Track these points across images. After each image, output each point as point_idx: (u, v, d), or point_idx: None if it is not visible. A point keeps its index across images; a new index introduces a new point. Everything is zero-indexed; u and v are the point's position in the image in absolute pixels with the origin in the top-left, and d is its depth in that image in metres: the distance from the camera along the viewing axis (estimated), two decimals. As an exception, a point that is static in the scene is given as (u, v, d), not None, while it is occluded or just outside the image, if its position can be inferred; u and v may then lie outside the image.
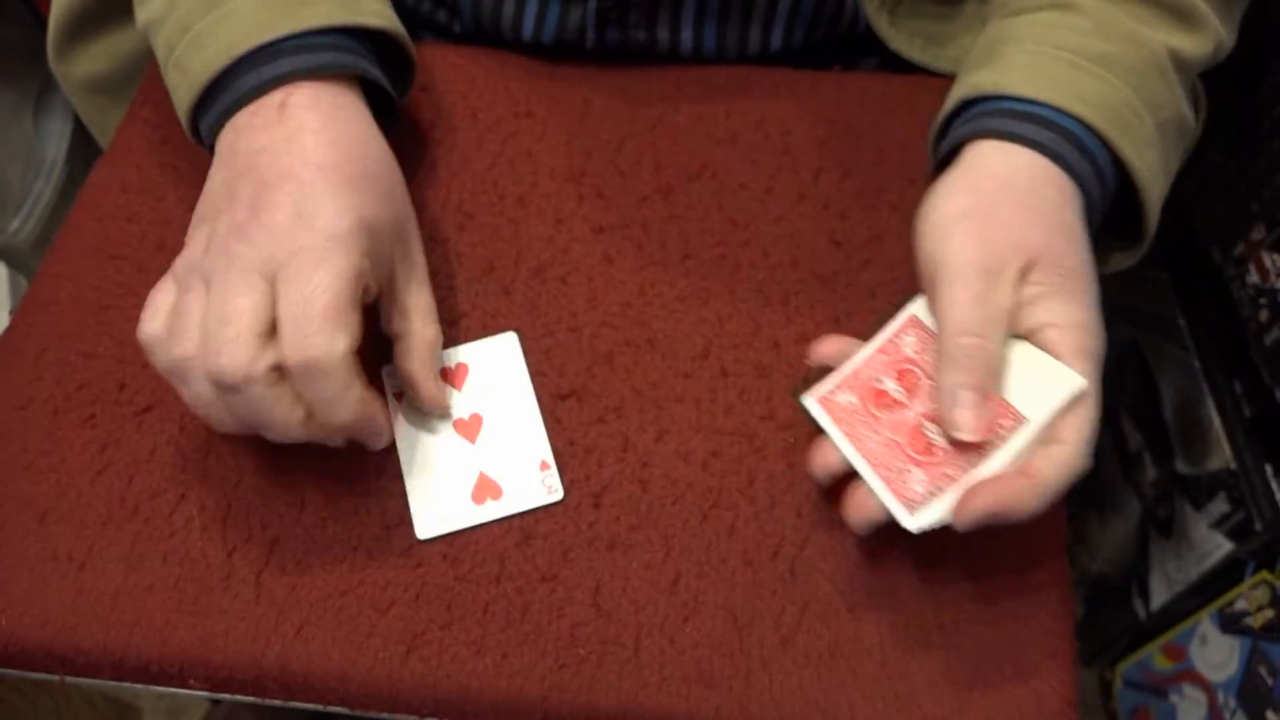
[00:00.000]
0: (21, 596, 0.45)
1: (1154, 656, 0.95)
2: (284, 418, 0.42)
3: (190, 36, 0.48)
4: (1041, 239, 0.44)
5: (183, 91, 0.49)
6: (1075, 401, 0.41)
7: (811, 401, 0.46)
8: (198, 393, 0.43)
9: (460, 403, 0.50)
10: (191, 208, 0.55)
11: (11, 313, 1.11)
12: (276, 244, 0.42)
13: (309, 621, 0.44)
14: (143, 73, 0.62)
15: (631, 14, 0.59)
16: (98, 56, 0.65)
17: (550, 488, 0.47)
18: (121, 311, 0.52)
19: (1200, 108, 0.62)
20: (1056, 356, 0.42)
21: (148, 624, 0.44)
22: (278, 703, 0.45)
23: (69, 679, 0.45)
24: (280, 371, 0.42)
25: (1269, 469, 0.76)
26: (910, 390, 0.45)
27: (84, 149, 1.29)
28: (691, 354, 0.51)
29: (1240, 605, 0.81)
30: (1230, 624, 0.83)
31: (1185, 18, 0.50)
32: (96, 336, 0.51)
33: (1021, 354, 0.43)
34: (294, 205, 0.43)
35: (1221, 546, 0.81)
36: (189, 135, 0.51)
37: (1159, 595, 0.92)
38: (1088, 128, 0.46)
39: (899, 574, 0.45)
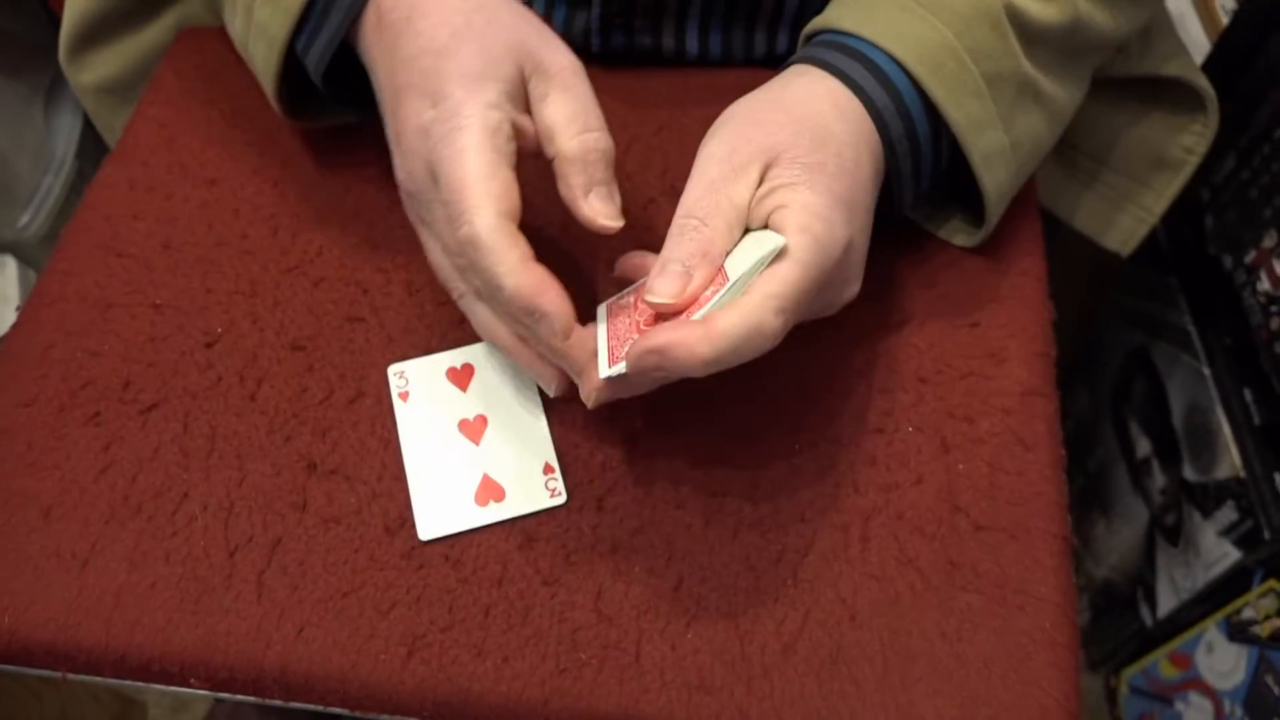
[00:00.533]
0: (24, 593, 0.45)
1: (1160, 664, 0.95)
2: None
3: None
4: (788, 138, 0.44)
5: (278, 24, 0.49)
6: (773, 261, 0.41)
7: (601, 307, 0.46)
8: (480, 320, 0.47)
9: (465, 404, 0.49)
10: (200, 206, 0.56)
11: (20, 306, 1.12)
12: (420, 157, 0.43)
13: (310, 622, 0.44)
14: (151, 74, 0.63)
15: (636, 19, 0.59)
16: (109, 61, 0.65)
17: (554, 490, 0.47)
18: (127, 309, 0.52)
19: (1211, 114, 0.62)
20: (777, 227, 0.42)
21: (149, 623, 0.44)
22: (279, 702, 0.44)
23: (70, 676, 0.45)
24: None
25: (1278, 478, 0.75)
26: None
27: (94, 145, 1.29)
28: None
29: (1248, 614, 0.81)
30: (1238, 632, 0.82)
31: None
32: (102, 334, 0.51)
33: (746, 238, 0.43)
34: (413, 112, 0.44)
35: (1230, 554, 0.81)
36: (274, 77, 0.50)
37: (1166, 602, 0.92)
38: (900, 66, 0.47)
39: (901, 583, 0.45)
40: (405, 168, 0.46)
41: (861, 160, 0.45)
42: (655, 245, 0.53)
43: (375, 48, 0.48)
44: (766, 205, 0.43)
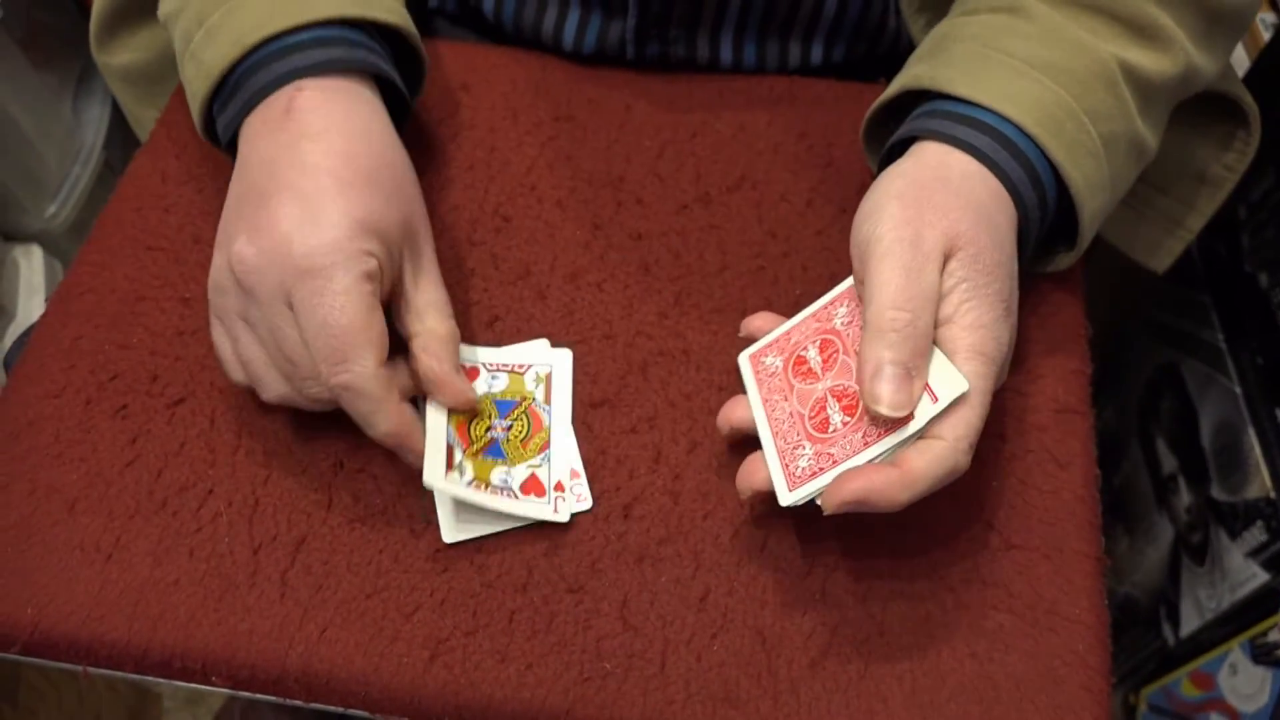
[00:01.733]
0: (48, 586, 0.45)
1: (1181, 683, 0.94)
2: (379, 413, 0.44)
3: (204, 29, 0.48)
4: (969, 229, 0.43)
5: (197, 85, 0.49)
6: (958, 402, 0.41)
7: (744, 358, 0.47)
8: (298, 403, 0.46)
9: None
10: (229, 201, 0.55)
11: (48, 297, 1.12)
12: (282, 269, 0.43)
13: (333, 623, 0.44)
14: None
15: (671, 29, 0.59)
16: (138, 47, 0.65)
17: (579, 496, 0.47)
18: (156, 303, 0.52)
19: (1254, 130, 0.61)
20: (952, 353, 0.41)
21: (172, 618, 0.44)
22: (299, 702, 0.44)
23: (91, 670, 0.45)
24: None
25: (1309, 500, 0.74)
26: (827, 363, 0.45)
27: (122, 136, 1.30)
28: (727, 367, 0.50)
29: (1274, 636, 0.79)
30: (1262, 655, 0.81)
31: (1144, 33, 0.48)
32: (131, 327, 0.51)
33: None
34: (291, 219, 0.43)
35: (1257, 576, 0.79)
36: (201, 133, 0.50)
37: (1189, 622, 0.90)
38: (1023, 132, 0.46)
39: (932, 601, 0.44)
40: (254, 263, 0.43)
41: (1014, 250, 0.45)
42: (685, 250, 0.53)
43: (263, 133, 0.46)
44: (942, 309, 0.42)
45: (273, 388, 0.45)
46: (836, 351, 0.45)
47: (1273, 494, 0.77)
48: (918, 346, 0.41)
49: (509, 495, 0.46)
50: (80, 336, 0.51)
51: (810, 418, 0.43)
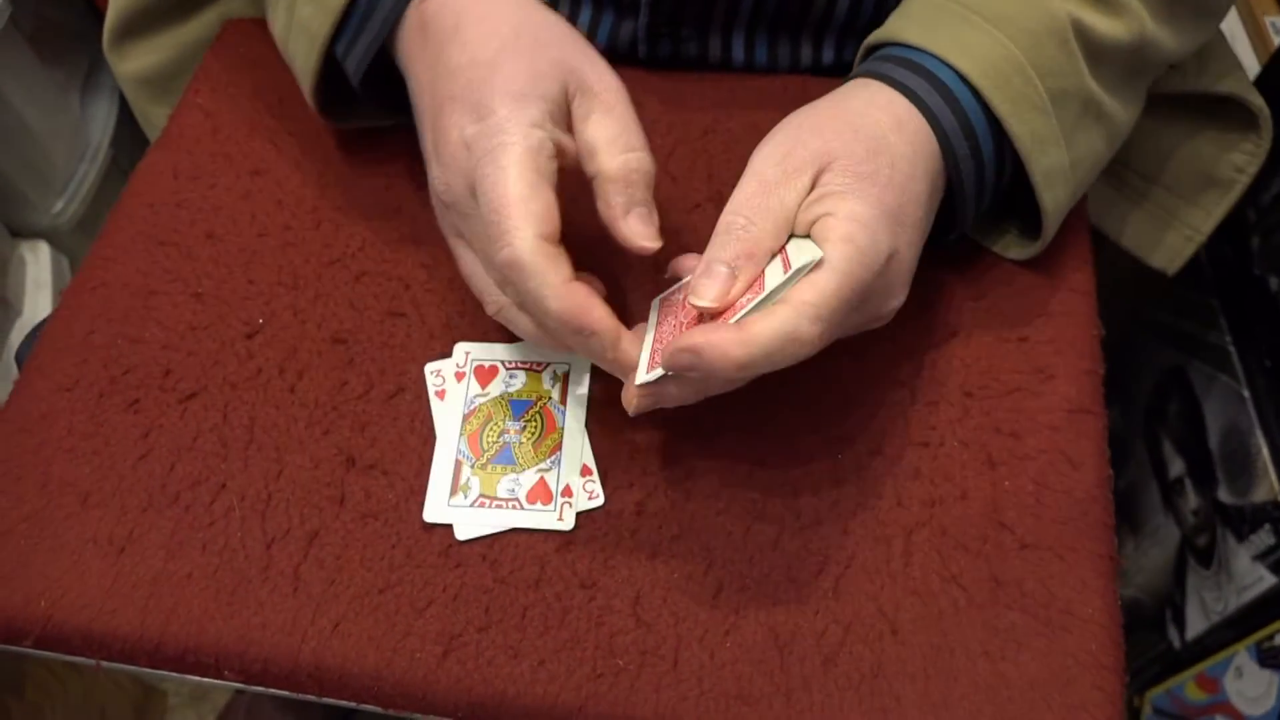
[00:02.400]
0: (61, 579, 0.45)
1: (1186, 686, 0.93)
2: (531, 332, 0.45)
3: None
4: (842, 146, 0.43)
5: (318, 24, 0.49)
6: (811, 271, 0.41)
7: (655, 302, 0.47)
8: (523, 328, 0.46)
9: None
10: (243, 197, 0.56)
11: (55, 294, 1.13)
12: (465, 171, 0.43)
13: (346, 618, 0.44)
14: (194, 67, 0.62)
15: (684, 28, 0.58)
16: (151, 52, 0.66)
17: (591, 493, 0.47)
18: (169, 297, 0.52)
19: (1265, 133, 0.61)
20: (821, 240, 0.41)
21: (185, 612, 0.44)
22: (313, 697, 0.44)
23: (104, 665, 0.45)
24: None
25: (1318, 503, 0.74)
26: None
27: (129, 132, 1.30)
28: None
29: (1280, 640, 0.79)
30: (1269, 658, 0.81)
31: None
32: (143, 322, 0.51)
33: (789, 244, 0.43)
34: (458, 126, 0.43)
35: (1264, 579, 0.79)
36: (312, 77, 0.51)
37: (1195, 625, 0.90)
38: (966, 84, 0.46)
39: (945, 598, 0.44)
40: (443, 179, 0.45)
41: (917, 174, 0.45)
42: (697, 248, 0.53)
43: (416, 55, 0.47)
44: (813, 211, 0.43)
45: (491, 298, 0.46)
46: None
47: (1281, 497, 0.77)
48: (746, 250, 0.42)
49: (514, 507, 0.46)
50: (92, 331, 0.51)
51: (687, 322, 0.43)
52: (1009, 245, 0.53)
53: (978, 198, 0.49)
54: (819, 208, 0.42)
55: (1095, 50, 0.49)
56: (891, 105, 0.46)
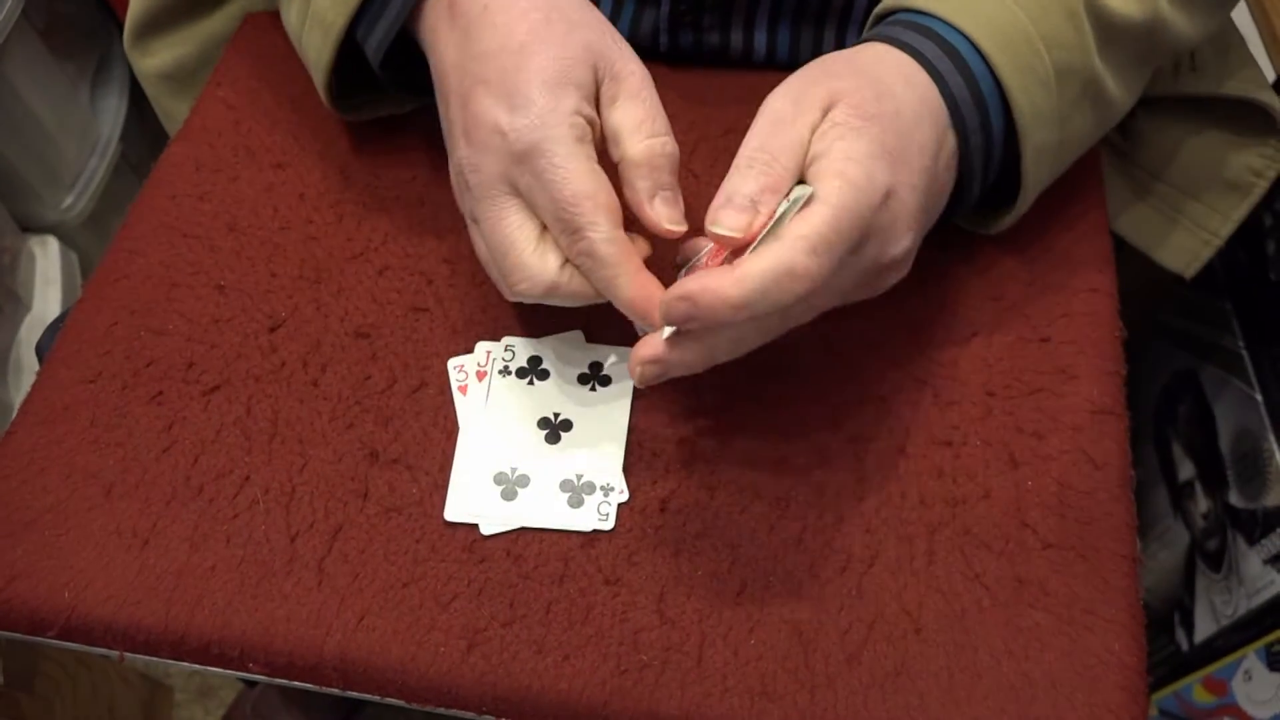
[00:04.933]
0: (85, 570, 0.45)
1: (1194, 688, 0.93)
2: (589, 295, 0.44)
3: None
4: (851, 87, 0.43)
5: (335, 13, 0.49)
6: (803, 206, 0.40)
7: (680, 274, 0.46)
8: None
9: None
10: (265, 190, 0.56)
11: (64, 289, 1.12)
12: (500, 158, 0.43)
13: (370, 611, 0.44)
14: (214, 61, 0.63)
15: (705, 17, 0.58)
16: (172, 47, 0.66)
17: (619, 490, 0.47)
18: (191, 290, 0.52)
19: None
20: (816, 178, 0.41)
21: (210, 605, 0.44)
22: (337, 691, 0.44)
23: (127, 656, 0.45)
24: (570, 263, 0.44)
25: (1330, 507, 0.74)
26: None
27: (138, 128, 1.30)
28: (763, 362, 0.50)
29: (1290, 644, 0.80)
30: (1278, 662, 0.81)
31: None
32: (166, 314, 0.51)
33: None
34: (494, 110, 0.43)
35: (1275, 583, 0.79)
36: (326, 67, 0.51)
37: (1204, 627, 0.90)
38: (975, 50, 0.46)
39: (968, 597, 0.44)
40: (472, 161, 0.45)
41: (923, 125, 0.44)
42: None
43: (444, 35, 0.47)
44: (815, 149, 0.42)
45: (494, 274, 0.46)
46: None
47: (1293, 501, 0.77)
48: (770, 183, 0.41)
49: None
50: (115, 323, 0.51)
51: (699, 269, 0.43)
52: (970, 218, 0.53)
53: (984, 172, 0.49)
54: (819, 144, 0.42)
55: (1106, 27, 0.48)
56: (900, 66, 0.46)
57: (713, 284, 0.39)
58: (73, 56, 1.21)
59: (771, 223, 0.40)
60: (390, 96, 0.55)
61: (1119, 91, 0.51)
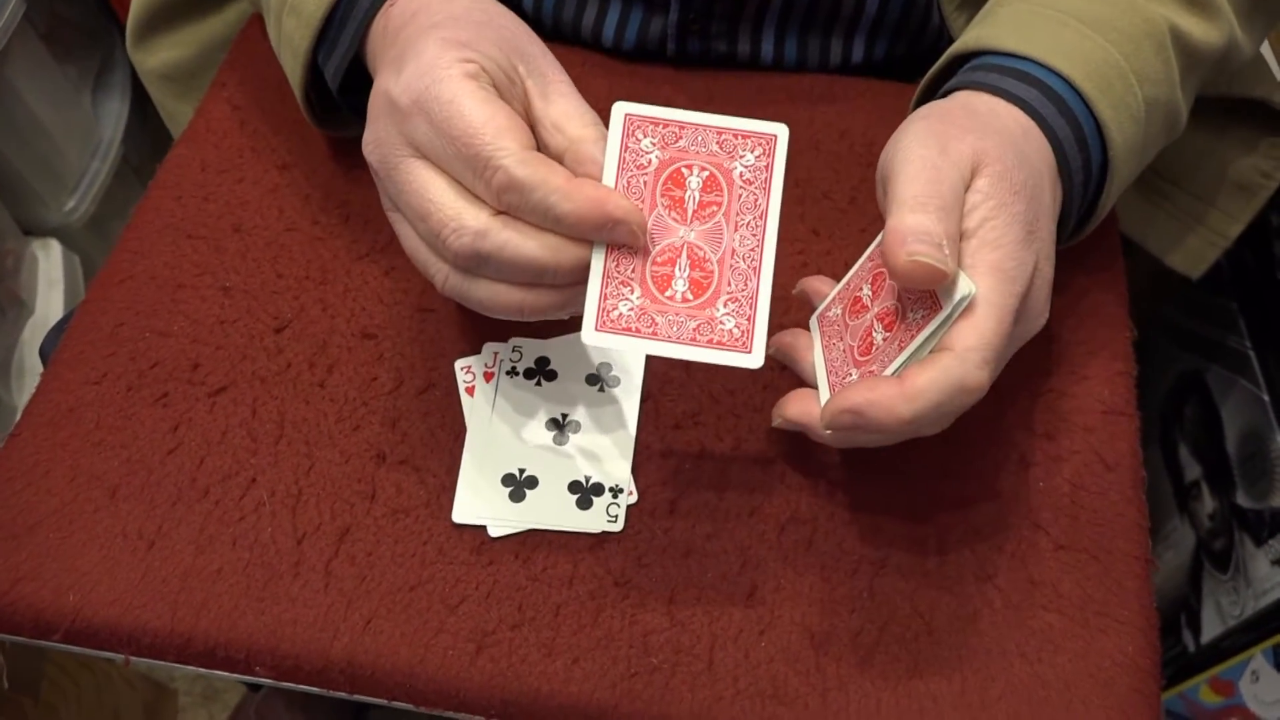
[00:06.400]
0: (90, 572, 0.44)
1: (1200, 689, 0.93)
2: (531, 254, 0.39)
3: None
4: (994, 148, 0.41)
5: (299, 36, 0.49)
6: (966, 309, 0.39)
7: (814, 319, 0.46)
8: (480, 293, 0.41)
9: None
10: (271, 191, 0.56)
11: (66, 292, 1.12)
12: (395, 120, 0.40)
13: (378, 614, 0.44)
14: (217, 62, 0.62)
15: (713, 24, 0.58)
16: (175, 45, 0.66)
17: (628, 491, 0.47)
18: (196, 291, 0.52)
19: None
20: (969, 268, 0.39)
21: (216, 607, 0.44)
22: (344, 694, 0.44)
23: (133, 660, 0.45)
24: (502, 214, 0.39)
25: (1338, 508, 0.74)
26: (876, 293, 0.43)
27: (140, 130, 1.30)
28: (772, 363, 0.50)
29: (1297, 645, 0.79)
30: (1286, 663, 0.81)
31: (1195, 1, 0.48)
32: (171, 315, 0.51)
33: None
34: (386, 82, 0.41)
35: (1283, 584, 0.79)
36: (300, 88, 0.50)
37: (1210, 628, 0.90)
38: (1071, 87, 0.45)
39: (980, 600, 0.44)
40: (370, 137, 0.42)
41: (1044, 185, 0.43)
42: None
43: (380, 56, 0.46)
44: (967, 221, 0.40)
45: (437, 270, 0.41)
46: (884, 279, 0.43)
47: (1302, 502, 0.77)
48: (949, 230, 0.38)
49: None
50: (120, 324, 0.51)
51: (858, 347, 0.43)
52: None
53: (1079, 210, 0.48)
54: (971, 218, 0.40)
55: (1189, 56, 0.47)
56: (1018, 121, 0.44)
57: (882, 399, 0.38)
58: (74, 60, 1.21)
59: (938, 324, 0.39)
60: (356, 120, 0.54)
61: (1186, 114, 0.50)
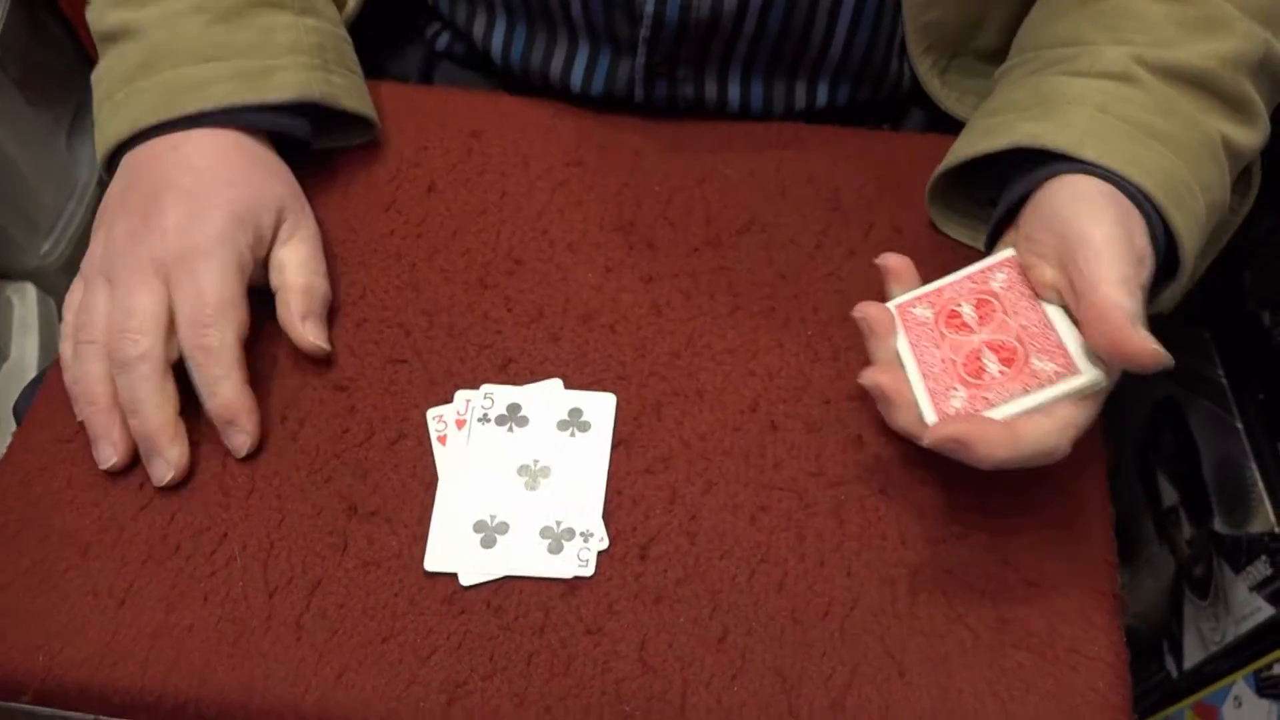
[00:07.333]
0: (60, 632, 0.44)
1: (1184, 715, 0.93)
2: (157, 403, 0.47)
3: (113, 101, 0.53)
4: (1150, 251, 0.45)
5: (99, 141, 0.54)
6: (1084, 394, 0.43)
7: (894, 306, 0.48)
8: (87, 369, 0.48)
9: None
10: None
11: (41, 336, 1.12)
12: (166, 247, 0.48)
13: (349, 667, 0.44)
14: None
15: (679, 68, 0.59)
16: None
17: (599, 538, 0.47)
18: (168, 345, 0.52)
19: (1255, 177, 0.62)
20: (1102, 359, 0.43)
21: (187, 664, 0.44)
22: (316, 751, 0.44)
23: (104, 719, 0.44)
24: (167, 363, 0.48)
25: (1312, 534, 0.75)
26: (983, 319, 0.46)
27: (117, 173, 1.30)
28: (740, 407, 0.50)
29: (1279, 669, 0.80)
30: (1267, 687, 0.81)
31: (1241, 109, 0.50)
32: (142, 370, 0.51)
33: (1068, 326, 0.45)
34: (179, 210, 0.49)
35: (1262, 610, 0.80)
36: (103, 173, 0.55)
37: (1192, 654, 0.90)
38: (1148, 199, 0.46)
39: (950, 639, 0.44)
40: (141, 234, 0.49)
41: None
42: (695, 292, 0.54)
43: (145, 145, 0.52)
44: None
45: (90, 331, 0.49)
46: (994, 310, 0.47)
47: (1277, 529, 0.77)
48: (1145, 324, 0.43)
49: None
50: (91, 379, 0.51)
51: (964, 365, 0.45)
52: None
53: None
54: None
55: (1235, 159, 0.50)
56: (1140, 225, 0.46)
57: (988, 438, 0.41)
58: (50, 103, 1.21)
59: (1068, 390, 0.43)
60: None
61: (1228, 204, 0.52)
